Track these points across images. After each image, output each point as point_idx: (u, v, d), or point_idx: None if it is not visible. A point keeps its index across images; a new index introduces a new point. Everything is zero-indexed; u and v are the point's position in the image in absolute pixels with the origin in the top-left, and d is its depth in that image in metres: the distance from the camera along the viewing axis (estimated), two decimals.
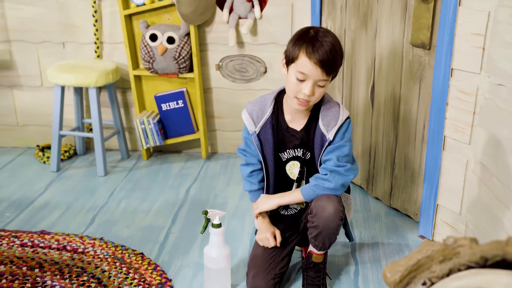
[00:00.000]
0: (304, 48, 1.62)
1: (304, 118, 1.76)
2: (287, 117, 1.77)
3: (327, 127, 1.71)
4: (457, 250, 0.84)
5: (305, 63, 1.61)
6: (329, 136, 1.70)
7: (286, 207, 1.89)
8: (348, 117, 1.74)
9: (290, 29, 2.79)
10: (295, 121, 1.77)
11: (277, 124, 1.78)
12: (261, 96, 1.83)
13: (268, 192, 1.86)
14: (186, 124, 2.96)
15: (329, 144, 1.72)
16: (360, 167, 2.54)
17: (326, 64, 1.60)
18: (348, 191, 1.88)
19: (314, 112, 1.75)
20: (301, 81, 1.63)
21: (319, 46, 1.61)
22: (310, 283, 1.80)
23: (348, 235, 1.92)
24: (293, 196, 1.79)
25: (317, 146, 1.74)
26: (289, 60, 1.67)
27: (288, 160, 1.81)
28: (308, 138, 1.76)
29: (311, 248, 1.80)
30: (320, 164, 1.76)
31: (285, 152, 1.79)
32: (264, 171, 1.82)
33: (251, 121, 1.77)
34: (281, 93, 1.80)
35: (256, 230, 1.96)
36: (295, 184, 1.83)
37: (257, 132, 1.77)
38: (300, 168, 1.81)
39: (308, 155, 1.79)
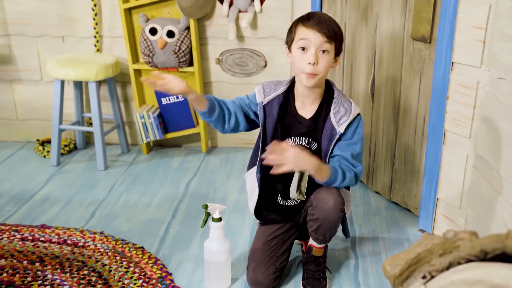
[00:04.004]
0: (300, 22, 1.69)
1: (314, 105, 1.76)
2: (298, 104, 1.77)
3: (338, 121, 1.71)
4: (457, 243, 0.84)
5: (303, 31, 1.66)
6: (340, 129, 1.69)
7: (286, 198, 1.88)
8: (359, 114, 1.74)
9: (290, 23, 2.74)
10: (305, 108, 1.77)
11: (286, 107, 1.77)
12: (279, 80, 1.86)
13: (266, 181, 1.84)
14: (186, 118, 2.96)
15: (339, 139, 1.71)
16: None
17: (324, 26, 1.64)
18: (348, 188, 1.88)
19: (324, 102, 1.75)
20: (304, 50, 1.66)
21: (313, 14, 1.68)
22: (310, 276, 1.81)
23: (345, 231, 1.92)
24: (322, 170, 1.65)
25: (325, 138, 1.73)
26: (290, 41, 1.72)
27: None
28: (316, 128, 1.76)
29: (311, 241, 1.80)
30: (328, 159, 1.75)
31: (289, 139, 1.79)
32: (261, 148, 1.79)
33: (262, 92, 1.78)
34: (294, 81, 1.80)
35: (259, 223, 1.95)
36: (297, 173, 1.82)
37: (264, 103, 1.77)
38: None
39: (315, 146, 1.78)
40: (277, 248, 1.84)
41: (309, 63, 1.64)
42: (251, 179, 1.86)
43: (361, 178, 2.57)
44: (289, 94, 1.78)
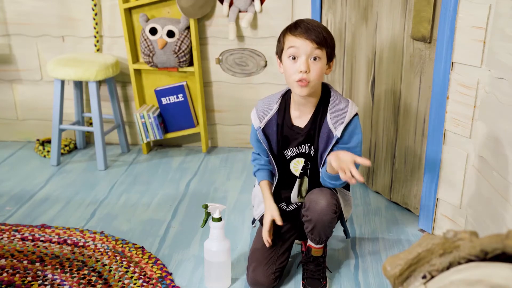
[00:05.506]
0: (287, 30, 1.67)
1: (310, 113, 1.75)
2: (294, 113, 1.76)
3: (335, 124, 1.69)
4: (457, 243, 0.84)
5: (291, 40, 1.64)
6: (336, 133, 1.68)
7: (288, 202, 1.89)
8: (356, 114, 1.72)
9: (290, 23, 2.77)
10: (302, 116, 1.76)
11: (282, 121, 1.77)
12: (271, 95, 1.84)
13: (272, 188, 1.86)
14: (186, 118, 2.96)
15: (337, 142, 1.71)
16: None
17: (312, 33, 1.62)
18: (347, 188, 1.88)
19: (320, 107, 1.74)
20: (295, 59, 1.64)
21: (300, 22, 1.66)
22: (310, 276, 1.81)
23: (346, 232, 1.92)
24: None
25: (322, 140, 1.73)
26: (280, 51, 1.71)
27: (293, 157, 1.80)
28: (314, 133, 1.75)
29: (309, 242, 1.80)
30: (323, 161, 1.75)
31: (288, 150, 1.79)
32: (273, 166, 1.82)
33: (256, 117, 1.78)
34: (289, 91, 1.80)
35: (253, 220, 1.95)
36: (298, 180, 1.83)
37: (262, 127, 1.77)
38: (304, 163, 1.80)
39: (313, 151, 1.78)
40: (277, 248, 1.84)
41: (300, 71, 1.62)
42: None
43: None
44: (284, 108, 1.77)
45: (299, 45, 1.62)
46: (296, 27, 1.64)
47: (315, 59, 1.63)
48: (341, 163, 1.54)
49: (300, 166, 1.81)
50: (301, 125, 1.76)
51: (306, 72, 1.62)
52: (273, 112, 1.77)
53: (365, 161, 1.52)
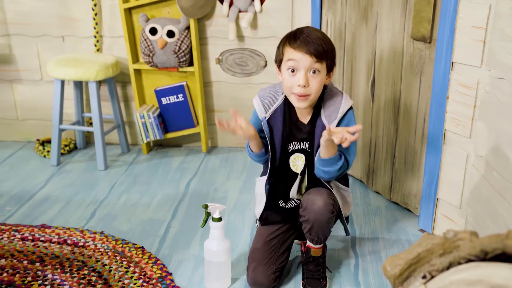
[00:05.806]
0: (287, 42, 1.65)
1: (311, 111, 1.75)
2: (299, 113, 1.77)
3: (329, 119, 1.69)
4: (457, 243, 0.84)
5: (291, 52, 1.62)
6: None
7: (286, 200, 1.88)
8: (350, 107, 1.72)
9: (290, 23, 2.78)
10: (304, 114, 1.76)
11: (289, 116, 1.76)
12: (274, 84, 1.82)
13: (271, 184, 1.85)
14: (186, 118, 2.96)
15: None
16: (361, 161, 2.55)
17: (312, 46, 1.59)
18: (346, 184, 1.87)
19: (319, 104, 1.74)
20: (293, 72, 1.62)
21: (300, 33, 1.63)
22: (310, 276, 1.81)
23: (346, 230, 1.92)
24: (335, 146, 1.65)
25: (317, 136, 1.73)
26: (279, 61, 1.69)
27: (293, 152, 1.80)
28: (314, 131, 1.75)
29: (308, 242, 1.80)
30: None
31: (291, 144, 1.79)
32: (270, 159, 1.80)
33: (262, 107, 1.76)
34: None
35: (256, 220, 1.95)
36: (299, 177, 1.83)
37: (267, 118, 1.75)
38: (305, 161, 1.80)
39: (311, 148, 1.78)
40: (277, 248, 1.84)
41: (299, 86, 1.61)
42: (260, 186, 1.86)
43: (361, 178, 2.58)
44: (289, 101, 1.77)
45: (298, 58, 1.60)
46: (295, 39, 1.62)
47: (314, 72, 1.62)
48: (336, 134, 1.54)
49: (299, 162, 1.81)
50: (304, 121, 1.76)
51: (305, 86, 1.61)
52: (279, 102, 1.75)
53: (357, 127, 1.52)
